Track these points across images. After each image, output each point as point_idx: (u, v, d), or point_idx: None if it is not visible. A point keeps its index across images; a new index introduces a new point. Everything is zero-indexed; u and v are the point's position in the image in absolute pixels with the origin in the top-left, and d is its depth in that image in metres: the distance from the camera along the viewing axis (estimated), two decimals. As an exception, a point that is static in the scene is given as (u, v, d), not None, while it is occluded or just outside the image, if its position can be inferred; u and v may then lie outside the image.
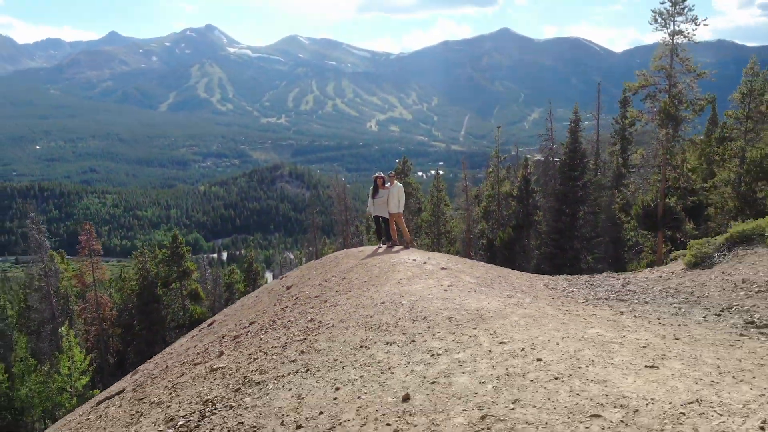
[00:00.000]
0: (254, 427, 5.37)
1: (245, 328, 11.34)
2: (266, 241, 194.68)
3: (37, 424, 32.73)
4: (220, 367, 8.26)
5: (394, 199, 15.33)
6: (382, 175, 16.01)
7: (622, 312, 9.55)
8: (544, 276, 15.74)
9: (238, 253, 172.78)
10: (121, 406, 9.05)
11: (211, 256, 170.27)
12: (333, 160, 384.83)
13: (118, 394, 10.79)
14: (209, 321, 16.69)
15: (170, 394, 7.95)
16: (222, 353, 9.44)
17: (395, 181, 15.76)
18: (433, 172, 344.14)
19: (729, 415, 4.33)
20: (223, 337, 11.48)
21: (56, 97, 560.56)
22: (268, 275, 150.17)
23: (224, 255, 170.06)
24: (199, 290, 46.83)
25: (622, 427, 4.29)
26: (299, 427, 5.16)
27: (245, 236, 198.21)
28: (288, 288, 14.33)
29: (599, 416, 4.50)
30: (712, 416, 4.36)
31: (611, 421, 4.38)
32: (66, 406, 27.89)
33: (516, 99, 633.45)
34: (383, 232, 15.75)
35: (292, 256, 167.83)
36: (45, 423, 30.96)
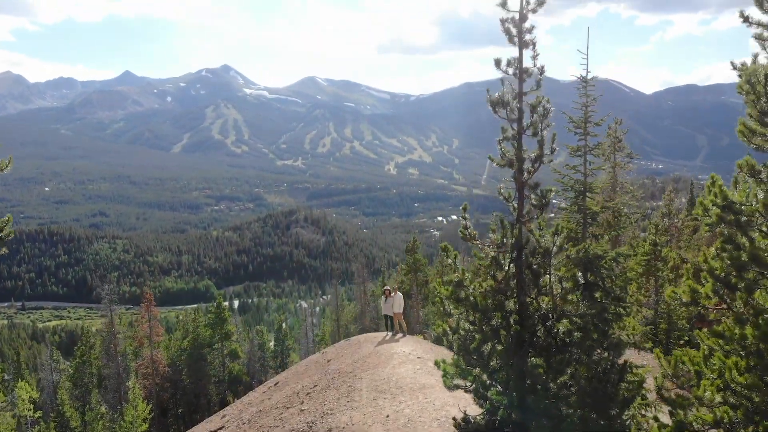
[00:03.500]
0: (337, 427, 15.69)
1: (312, 388, 20.05)
2: (279, 288, 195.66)
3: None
4: (305, 409, 18.15)
5: (396, 304, 24.00)
6: (389, 288, 25.16)
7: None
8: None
9: (250, 301, 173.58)
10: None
11: (223, 304, 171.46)
12: (350, 204, 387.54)
13: (219, 429, 20.90)
14: (274, 381, 24.95)
15: (280, 422, 17.95)
16: (303, 402, 18.97)
17: (397, 292, 24.59)
18: (454, 217, 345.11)
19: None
20: (297, 393, 20.23)
21: (67, 137, 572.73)
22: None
23: (236, 303, 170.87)
24: (238, 350, 55.78)
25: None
26: (353, 424, 15.69)
27: (258, 283, 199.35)
28: (328, 361, 22.82)
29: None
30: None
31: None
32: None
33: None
34: (390, 325, 24.40)
35: (305, 305, 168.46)
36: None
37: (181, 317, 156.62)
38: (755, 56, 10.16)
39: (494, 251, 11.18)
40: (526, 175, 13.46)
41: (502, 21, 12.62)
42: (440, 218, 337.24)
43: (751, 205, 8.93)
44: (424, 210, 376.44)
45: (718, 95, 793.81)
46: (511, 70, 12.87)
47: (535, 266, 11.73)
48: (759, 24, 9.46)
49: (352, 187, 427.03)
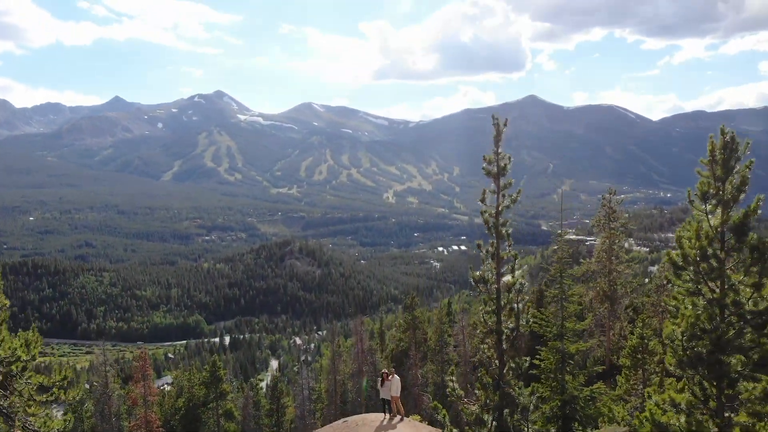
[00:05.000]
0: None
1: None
2: (272, 323, 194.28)
3: None
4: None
5: (394, 388, 24.12)
6: (386, 371, 24.90)
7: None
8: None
9: (242, 337, 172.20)
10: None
11: (213, 340, 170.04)
12: (347, 234, 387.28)
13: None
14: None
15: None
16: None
17: (394, 375, 24.56)
18: (455, 247, 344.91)
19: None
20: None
21: (53, 164, 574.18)
22: (273, 363, 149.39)
23: (227, 339, 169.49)
24: (234, 410, 56.70)
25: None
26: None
27: (250, 318, 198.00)
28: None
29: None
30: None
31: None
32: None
33: (544, 170, 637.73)
34: (388, 408, 24.72)
35: (299, 342, 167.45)
36: None
37: (170, 354, 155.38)
38: (699, 223, 14.12)
39: (478, 409, 12.98)
40: (505, 344, 17.42)
41: (482, 212, 18.25)
42: (441, 248, 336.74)
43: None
44: (424, 240, 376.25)
45: (727, 122, 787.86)
46: (490, 258, 18.31)
47: (515, 422, 14.47)
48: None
49: (349, 216, 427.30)
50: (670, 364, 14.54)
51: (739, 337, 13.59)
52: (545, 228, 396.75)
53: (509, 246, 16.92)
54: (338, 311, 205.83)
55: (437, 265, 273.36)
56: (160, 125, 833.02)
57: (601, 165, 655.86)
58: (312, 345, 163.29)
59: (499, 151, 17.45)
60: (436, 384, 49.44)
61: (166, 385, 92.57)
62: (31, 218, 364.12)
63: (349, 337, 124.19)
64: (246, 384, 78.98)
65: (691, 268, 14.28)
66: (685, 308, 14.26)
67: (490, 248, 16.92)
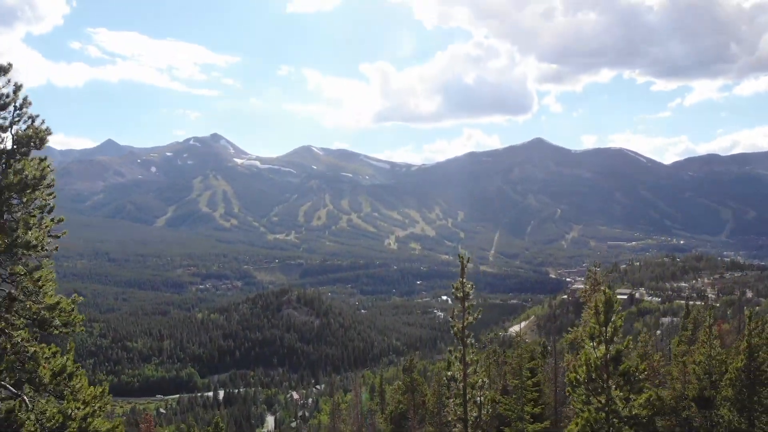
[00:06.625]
0: None
1: None
2: (268, 377, 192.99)
3: None
4: None
5: None
6: None
7: None
8: None
9: (236, 391, 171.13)
10: None
11: (206, 394, 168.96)
12: (347, 282, 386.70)
13: None
14: None
15: None
16: None
17: None
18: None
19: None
20: None
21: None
22: (269, 419, 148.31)
23: (221, 394, 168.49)
24: None
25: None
26: None
27: (245, 371, 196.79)
28: None
29: None
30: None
31: None
32: None
33: (552, 215, 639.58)
34: None
35: (296, 396, 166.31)
36: None
37: (162, 409, 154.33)
38: (588, 355, 21.69)
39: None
40: (470, 429, 23.50)
41: (452, 326, 24.11)
42: (444, 297, 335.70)
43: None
44: (427, 288, 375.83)
45: (742, 165, 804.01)
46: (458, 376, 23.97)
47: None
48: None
49: (349, 263, 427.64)
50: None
51: (619, 433, 21.46)
52: (553, 276, 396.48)
53: (473, 352, 24.27)
54: (337, 364, 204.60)
55: (441, 314, 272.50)
56: (153, 169, 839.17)
57: (610, 210, 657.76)
58: (310, 400, 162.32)
59: (464, 280, 24.91)
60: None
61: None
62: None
63: (349, 391, 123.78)
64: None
65: (582, 387, 21.56)
66: (581, 412, 21.64)
67: (458, 354, 24.15)
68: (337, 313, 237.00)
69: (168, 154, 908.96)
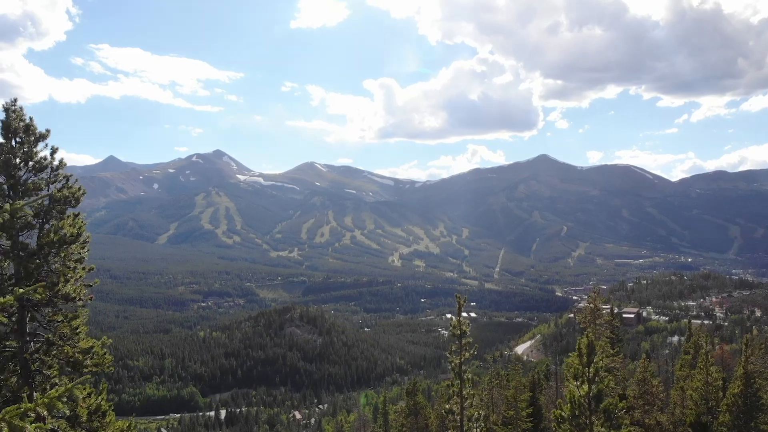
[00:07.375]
0: None
1: None
2: (270, 396, 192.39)
3: None
4: None
5: None
6: None
7: None
8: None
9: (238, 411, 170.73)
10: None
11: (208, 414, 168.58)
12: (350, 300, 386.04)
13: None
14: None
15: None
16: None
17: None
18: (464, 314, 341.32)
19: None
20: None
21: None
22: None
23: (222, 413, 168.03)
24: None
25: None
26: None
27: (247, 390, 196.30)
28: None
29: None
30: None
31: None
32: None
33: (557, 232, 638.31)
34: None
35: (299, 416, 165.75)
36: None
37: (163, 429, 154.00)
38: (572, 393, 23.46)
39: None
40: None
41: (450, 361, 27.03)
42: (449, 315, 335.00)
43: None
44: (431, 306, 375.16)
45: (750, 182, 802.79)
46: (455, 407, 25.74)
47: None
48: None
49: (353, 280, 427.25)
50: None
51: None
52: (559, 294, 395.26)
53: (469, 386, 26.43)
54: (340, 383, 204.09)
55: (445, 333, 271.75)
56: (155, 186, 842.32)
57: (617, 228, 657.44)
58: (312, 420, 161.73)
59: (460, 318, 27.43)
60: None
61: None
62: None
63: (352, 411, 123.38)
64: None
65: (567, 423, 23.41)
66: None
67: (455, 388, 26.29)
68: (340, 331, 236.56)
69: (170, 170, 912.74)
